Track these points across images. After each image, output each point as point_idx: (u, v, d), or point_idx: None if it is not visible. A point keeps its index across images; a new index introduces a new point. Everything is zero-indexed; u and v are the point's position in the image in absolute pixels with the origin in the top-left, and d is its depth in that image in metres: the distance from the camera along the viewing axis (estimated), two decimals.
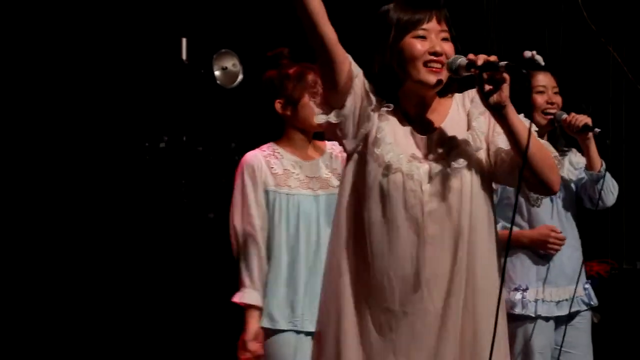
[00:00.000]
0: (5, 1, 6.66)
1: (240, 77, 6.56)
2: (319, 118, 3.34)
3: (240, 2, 6.90)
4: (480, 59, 3.21)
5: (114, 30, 6.67)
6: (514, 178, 3.36)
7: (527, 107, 4.87)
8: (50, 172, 6.52)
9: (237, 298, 4.24)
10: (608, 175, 4.87)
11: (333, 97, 3.28)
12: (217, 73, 6.53)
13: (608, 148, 5.14)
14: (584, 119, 4.79)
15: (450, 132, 3.42)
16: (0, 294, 6.55)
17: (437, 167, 3.35)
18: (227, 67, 6.57)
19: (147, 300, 6.70)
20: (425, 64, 3.32)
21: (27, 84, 6.51)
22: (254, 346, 4.22)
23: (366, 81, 3.33)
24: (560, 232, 4.81)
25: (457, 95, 3.49)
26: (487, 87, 3.19)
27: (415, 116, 3.42)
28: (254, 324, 4.21)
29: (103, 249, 6.60)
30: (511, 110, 3.25)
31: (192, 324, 6.63)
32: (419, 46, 3.32)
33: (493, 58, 3.20)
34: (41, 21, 6.70)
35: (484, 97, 3.26)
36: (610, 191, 4.92)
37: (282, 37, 6.35)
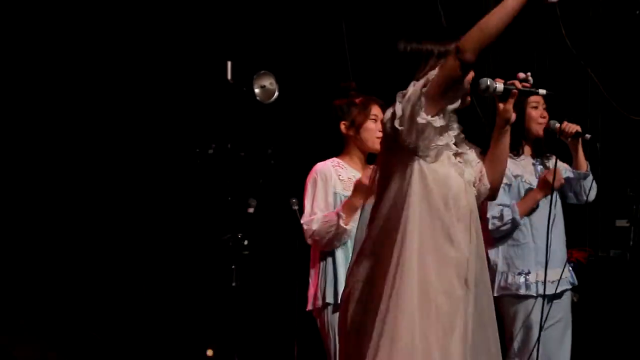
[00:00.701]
0: (81, 25, 6.81)
1: (276, 94, 6.62)
2: (432, 119, 3.36)
3: (275, 32, 7.10)
4: (518, 84, 3.50)
5: (174, 58, 6.97)
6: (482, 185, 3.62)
7: (522, 120, 5.01)
8: (124, 172, 6.89)
9: (342, 222, 4.41)
10: (590, 175, 5.02)
11: (445, 98, 3.35)
12: (256, 90, 6.61)
13: (596, 152, 5.12)
14: (576, 127, 4.94)
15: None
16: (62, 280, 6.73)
17: (468, 174, 3.54)
18: (265, 86, 6.64)
19: (199, 277, 6.94)
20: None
21: (106, 102, 6.85)
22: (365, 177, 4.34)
23: None
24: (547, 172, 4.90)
25: None
26: (511, 108, 3.47)
27: None
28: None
29: (162, 235, 6.94)
30: (509, 130, 3.55)
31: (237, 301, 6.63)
32: None
33: (528, 85, 3.53)
34: (114, 48, 6.90)
35: (505, 114, 3.51)
36: (593, 188, 5.06)
37: (312, 61, 6.70)
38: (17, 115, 6.73)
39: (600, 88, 5.66)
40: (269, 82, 6.64)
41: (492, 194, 3.66)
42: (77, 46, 6.88)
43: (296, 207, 5.29)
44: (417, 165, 3.40)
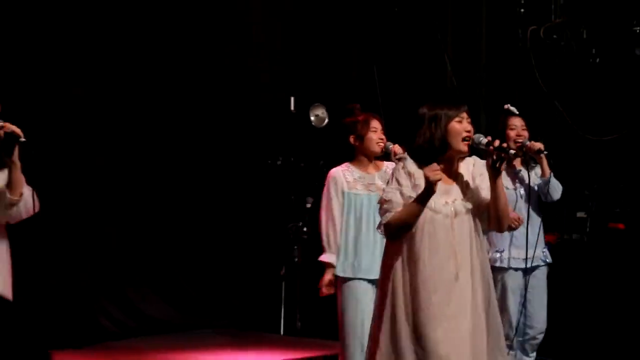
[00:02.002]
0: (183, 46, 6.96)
1: (327, 120, 7.02)
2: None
3: (325, 76, 7.35)
4: (496, 142, 3.59)
5: (255, 97, 7.28)
6: (484, 218, 3.72)
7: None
8: (221, 179, 7.19)
9: (323, 258, 4.62)
10: (555, 179, 5.09)
11: None
12: (312, 118, 7.01)
13: (551, 164, 5.08)
14: (539, 145, 5.01)
15: (462, 185, 3.71)
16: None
17: (459, 207, 3.66)
18: (318, 114, 7.01)
19: (271, 255, 7.12)
20: (463, 139, 3.63)
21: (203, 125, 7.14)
22: (327, 290, 4.61)
23: (407, 167, 3.61)
24: (520, 218, 4.81)
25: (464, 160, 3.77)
26: (497, 161, 3.57)
27: (447, 169, 3.68)
28: (328, 275, 4.60)
29: (245, 223, 7.21)
30: (501, 177, 3.65)
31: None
32: (459, 127, 3.64)
33: (505, 144, 3.59)
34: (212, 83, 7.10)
35: (492, 165, 3.59)
36: (556, 190, 5.13)
37: (352, 96, 6.68)
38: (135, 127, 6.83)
39: (564, 115, 6.07)
40: (321, 111, 7.03)
41: (498, 228, 3.76)
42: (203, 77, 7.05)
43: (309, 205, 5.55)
44: None
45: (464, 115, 3.69)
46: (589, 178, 6.49)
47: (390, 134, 4.77)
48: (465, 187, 3.70)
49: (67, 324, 6.17)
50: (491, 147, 3.59)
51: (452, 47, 7.05)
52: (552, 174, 5.12)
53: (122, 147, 6.80)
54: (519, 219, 4.81)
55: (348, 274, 4.61)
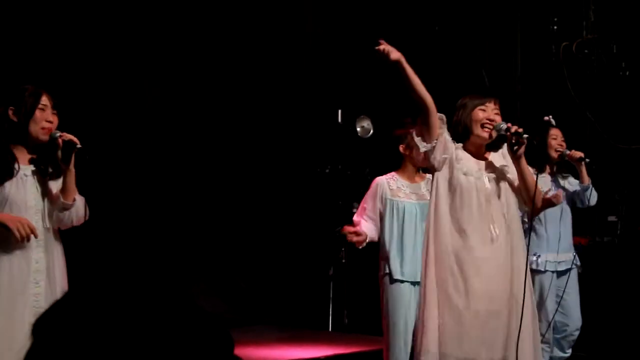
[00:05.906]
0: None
1: (372, 131, 7.01)
2: (423, 146, 3.64)
3: (370, 90, 7.18)
4: (513, 128, 3.63)
5: (308, 111, 7.26)
6: (520, 199, 3.77)
7: (545, 148, 4.97)
8: (278, 186, 7.19)
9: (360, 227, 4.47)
10: (590, 186, 5.04)
11: (429, 136, 3.66)
12: (358, 129, 7.00)
13: (593, 172, 5.08)
14: (579, 154, 4.99)
15: (493, 162, 3.75)
16: None
17: (491, 176, 3.72)
18: (364, 126, 7.01)
19: (319, 256, 7.05)
20: (482, 125, 3.70)
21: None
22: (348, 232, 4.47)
23: (447, 132, 3.71)
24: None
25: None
26: (514, 145, 3.63)
27: (475, 153, 3.77)
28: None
29: (296, 226, 7.18)
30: (524, 160, 3.67)
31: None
32: (481, 115, 3.71)
33: (521, 129, 3.61)
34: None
35: (511, 149, 3.66)
36: (593, 197, 5.07)
37: (395, 109, 6.41)
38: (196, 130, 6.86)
39: (596, 125, 6.01)
40: (366, 123, 7.00)
41: (532, 207, 3.77)
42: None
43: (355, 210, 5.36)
44: (439, 178, 3.75)
45: (490, 105, 3.75)
46: (620, 184, 6.38)
47: None
48: (495, 163, 3.78)
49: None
50: (508, 133, 3.65)
51: (489, 62, 7.04)
52: (590, 181, 5.05)
53: (181, 153, 6.82)
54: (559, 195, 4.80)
55: (394, 276, 4.50)
